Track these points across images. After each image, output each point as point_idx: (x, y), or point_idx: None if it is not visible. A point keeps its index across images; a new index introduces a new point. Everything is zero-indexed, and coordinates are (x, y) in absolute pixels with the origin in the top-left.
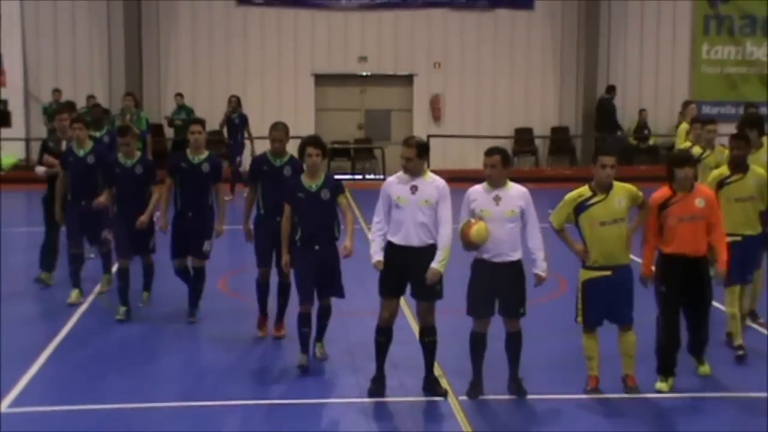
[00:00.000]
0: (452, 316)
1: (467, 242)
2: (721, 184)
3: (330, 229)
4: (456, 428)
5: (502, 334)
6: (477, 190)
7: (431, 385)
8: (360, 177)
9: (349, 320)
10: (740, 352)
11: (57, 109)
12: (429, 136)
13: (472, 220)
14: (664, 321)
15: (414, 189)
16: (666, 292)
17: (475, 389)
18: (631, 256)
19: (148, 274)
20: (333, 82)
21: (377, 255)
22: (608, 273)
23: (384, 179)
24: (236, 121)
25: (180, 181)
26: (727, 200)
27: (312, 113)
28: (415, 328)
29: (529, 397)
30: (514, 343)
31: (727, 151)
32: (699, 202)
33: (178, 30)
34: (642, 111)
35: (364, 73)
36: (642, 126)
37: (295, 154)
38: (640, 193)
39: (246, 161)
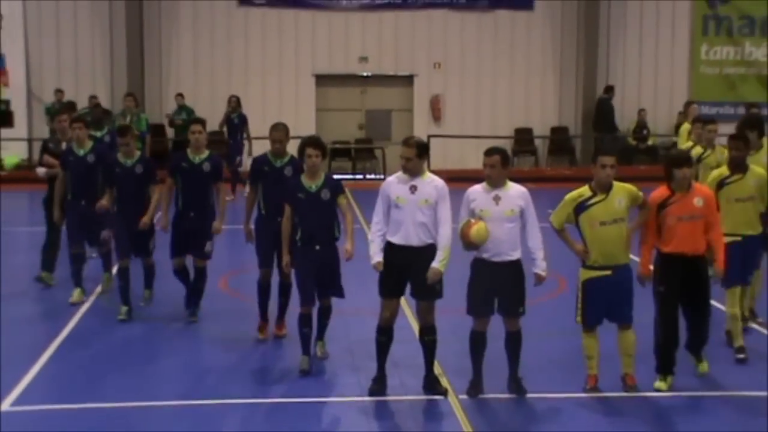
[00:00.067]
0: (452, 315)
1: (467, 242)
2: (721, 184)
3: (330, 230)
4: (456, 427)
5: (502, 334)
6: (477, 189)
7: (431, 384)
8: (361, 177)
9: (350, 319)
10: (741, 356)
11: (59, 110)
12: (429, 136)
13: (472, 220)
14: (662, 320)
15: (413, 189)
16: (664, 292)
17: (475, 388)
18: (631, 256)
19: (149, 275)
20: (334, 82)
21: (377, 256)
22: (608, 273)
23: (384, 179)
24: (235, 121)
25: (181, 181)
26: (727, 200)
27: (313, 113)
28: (416, 327)
29: (529, 395)
30: (513, 343)
31: (727, 151)
32: (698, 201)
33: (180, 30)
34: (641, 111)
35: (365, 74)
36: (641, 126)
37: (296, 154)
38: (641, 193)
39: (245, 161)
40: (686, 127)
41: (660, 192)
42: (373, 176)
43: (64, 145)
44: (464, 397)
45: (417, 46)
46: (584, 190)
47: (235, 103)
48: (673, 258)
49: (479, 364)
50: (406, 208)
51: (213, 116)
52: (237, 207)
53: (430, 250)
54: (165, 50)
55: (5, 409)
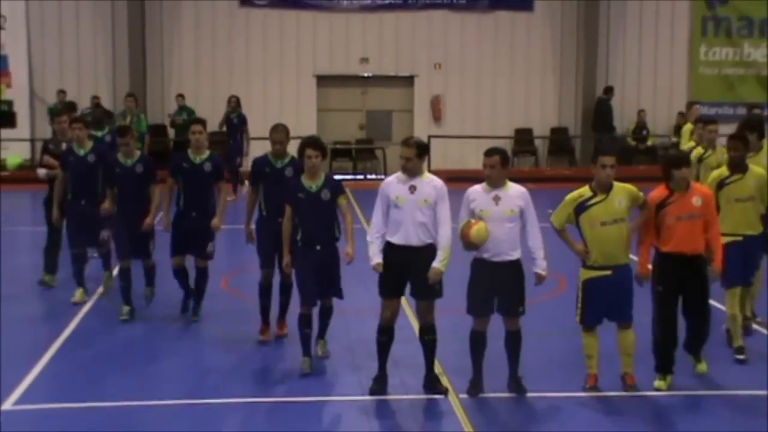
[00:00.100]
0: (452, 315)
1: (467, 242)
2: (720, 184)
3: (330, 230)
4: (456, 426)
5: (502, 333)
6: (476, 190)
7: (432, 383)
8: (361, 177)
9: (351, 319)
10: (740, 356)
11: (61, 110)
12: (429, 137)
13: (472, 221)
14: (661, 319)
15: (413, 189)
16: (663, 291)
17: (475, 387)
18: (631, 256)
19: (150, 275)
20: (335, 83)
21: (376, 258)
22: (608, 273)
23: (385, 179)
24: (235, 121)
25: (183, 182)
26: (727, 200)
27: (314, 114)
28: (416, 326)
29: (529, 394)
30: (513, 342)
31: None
32: (696, 201)
33: (182, 30)
34: (641, 111)
35: (366, 74)
36: (640, 126)
37: (296, 154)
38: (641, 194)
39: (244, 161)
40: (688, 127)
41: (658, 192)
42: (373, 176)
43: (64, 146)
44: (464, 396)
45: (417, 47)
46: (585, 191)
47: (234, 103)
48: (672, 257)
49: (479, 364)
50: (406, 208)
51: (214, 116)
52: (238, 207)
53: (429, 250)
54: (167, 50)
55: (8, 408)
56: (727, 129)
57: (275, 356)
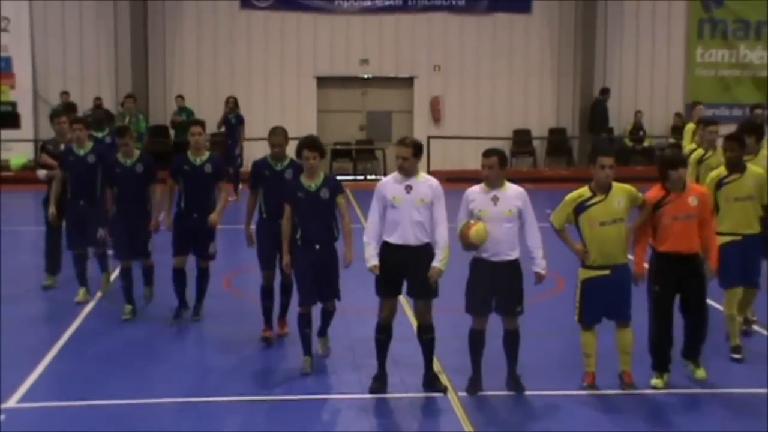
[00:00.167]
0: (451, 314)
1: (467, 243)
2: (719, 184)
3: (329, 229)
4: (455, 424)
5: (501, 332)
6: (475, 190)
7: (431, 382)
8: (361, 177)
9: (351, 318)
10: (737, 356)
11: (60, 112)
12: (429, 138)
13: (472, 221)
14: (657, 318)
15: (409, 188)
16: (659, 290)
17: (474, 385)
18: (630, 256)
19: (149, 275)
20: (335, 84)
21: (373, 259)
22: (607, 272)
23: None
24: (233, 122)
25: (183, 184)
26: (726, 200)
27: (314, 115)
28: (415, 325)
29: (528, 393)
30: (511, 341)
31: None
32: (692, 201)
33: (183, 32)
34: (637, 113)
35: (366, 76)
36: (637, 127)
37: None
38: (640, 194)
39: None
40: (691, 126)
41: (655, 192)
42: (373, 177)
43: (62, 147)
44: (463, 394)
45: (417, 49)
46: (584, 191)
47: (232, 104)
48: (669, 257)
49: (478, 362)
50: (403, 207)
51: (215, 117)
52: (240, 207)
53: (426, 249)
54: (169, 51)
55: (12, 406)
56: (723, 130)
57: (276, 356)
